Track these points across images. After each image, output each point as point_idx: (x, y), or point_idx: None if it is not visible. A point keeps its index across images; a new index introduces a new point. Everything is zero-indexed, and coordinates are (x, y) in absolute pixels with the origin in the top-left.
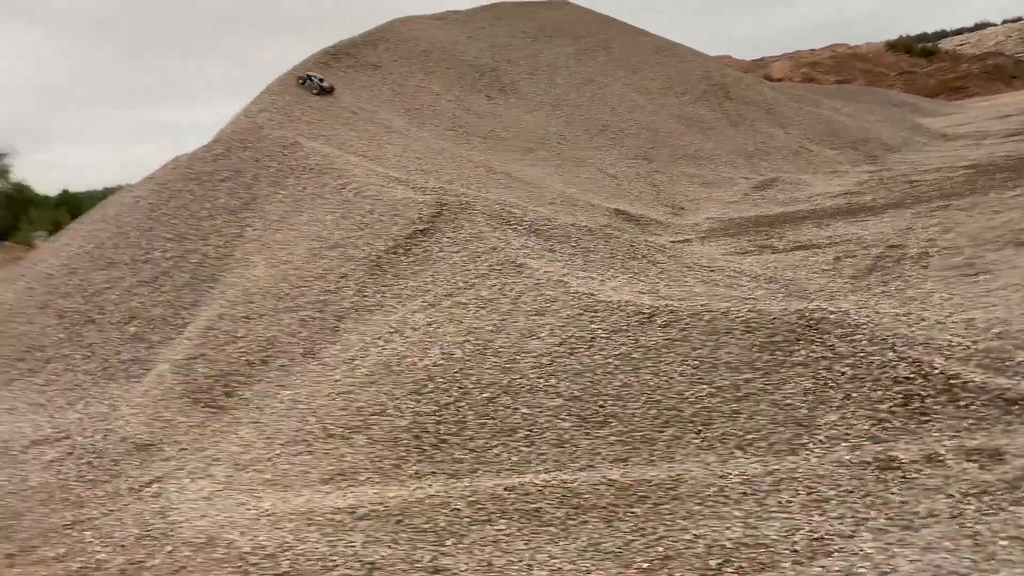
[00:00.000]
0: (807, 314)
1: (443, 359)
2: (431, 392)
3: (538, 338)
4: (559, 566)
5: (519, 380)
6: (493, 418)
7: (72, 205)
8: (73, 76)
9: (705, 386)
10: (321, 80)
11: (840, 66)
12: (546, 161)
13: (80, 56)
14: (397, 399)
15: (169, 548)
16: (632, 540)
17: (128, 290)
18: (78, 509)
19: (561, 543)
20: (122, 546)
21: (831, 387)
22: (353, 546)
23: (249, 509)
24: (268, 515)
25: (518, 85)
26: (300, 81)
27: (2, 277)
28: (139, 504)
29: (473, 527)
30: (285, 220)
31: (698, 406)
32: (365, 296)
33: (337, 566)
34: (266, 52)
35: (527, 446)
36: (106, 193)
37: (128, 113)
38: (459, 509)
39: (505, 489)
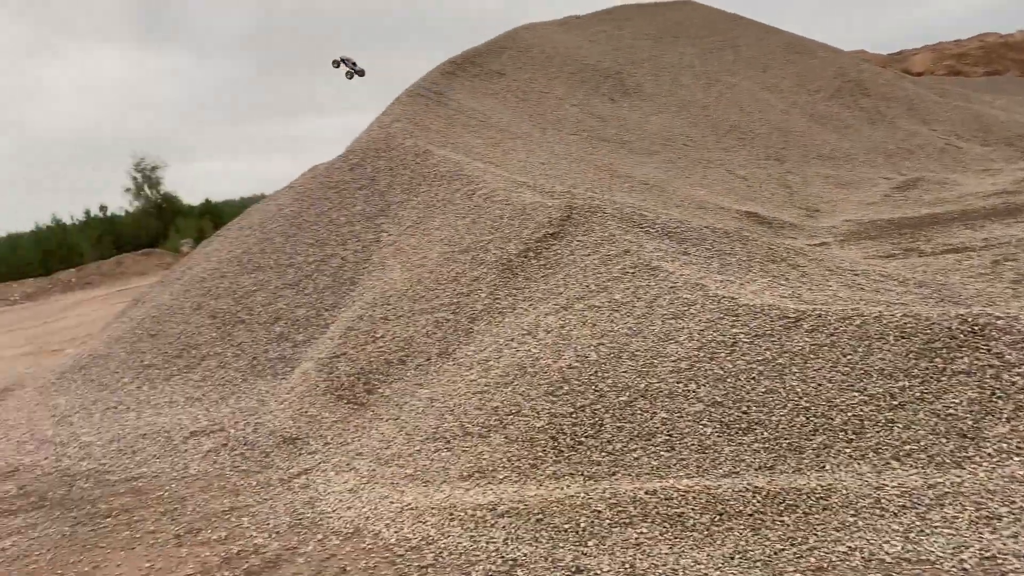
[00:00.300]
0: (970, 319)
1: (578, 361)
2: (566, 394)
3: (676, 342)
4: (705, 572)
5: (657, 384)
6: (631, 422)
7: (214, 214)
8: (213, 93)
9: (856, 393)
10: (354, 64)
11: (989, 57)
12: (672, 163)
13: (220, 74)
14: (532, 400)
15: (320, 536)
16: (782, 549)
17: (274, 292)
18: (234, 496)
19: (706, 549)
20: (277, 532)
21: (999, 397)
22: (495, 542)
23: (392, 502)
24: (411, 509)
25: (642, 87)
26: (335, 64)
27: (160, 280)
28: (289, 494)
29: (614, 529)
30: (418, 225)
31: (849, 414)
32: (497, 299)
33: (480, 561)
34: (393, 64)
35: (667, 451)
36: (243, 202)
37: (262, 126)
38: (599, 511)
39: (646, 493)
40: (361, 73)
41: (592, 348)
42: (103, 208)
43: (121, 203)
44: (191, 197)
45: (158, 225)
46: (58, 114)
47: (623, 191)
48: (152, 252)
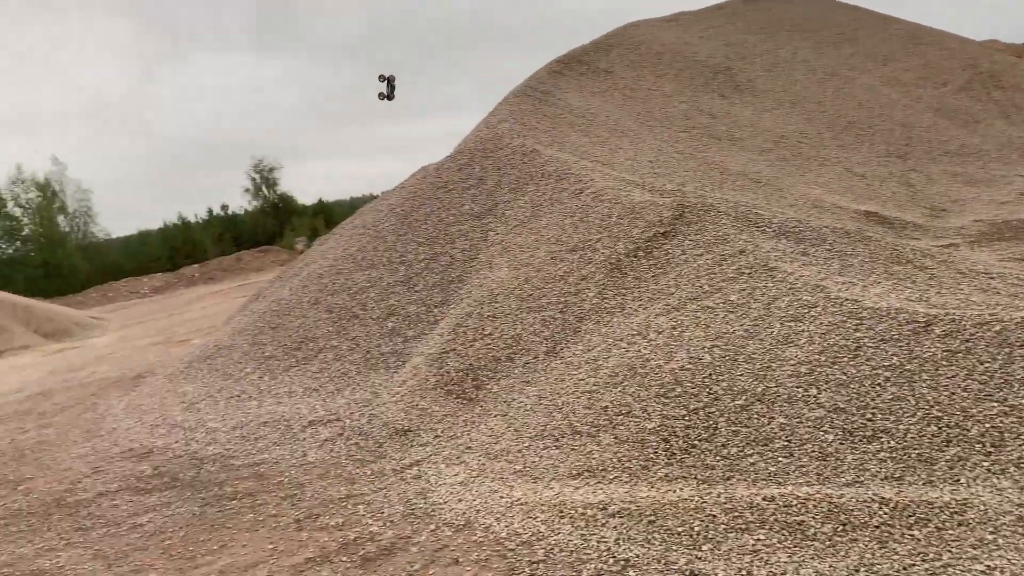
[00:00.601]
0: None
1: (691, 363)
2: (679, 396)
3: (795, 345)
4: None
5: (775, 388)
6: (747, 426)
7: (326, 213)
8: (324, 96)
9: (996, 404)
10: (393, 88)
11: None
12: (786, 161)
13: (331, 77)
14: (643, 401)
15: (432, 527)
16: (912, 564)
17: (386, 289)
18: (350, 485)
19: (828, 560)
20: (391, 521)
21: None
22: (606, 542)
23: (502, 497)
24: (520, 504)
25: (754, 83)
26: (381, 78)
27: (279, 276)
28: (402, 484)
29: (730, 534)
30: (525, 224)
31: (987, 425)
32: (605, 298)
33: (591, 559)
34: (498, 65)
35: (786, 457)
36: (353, 202)
37: (370, 128)
38: (715, 515)
39: (764, 499)
40: (391, 98)
41: (706, 350)
42: (224, 207)
43: (241, 202)
44: (304, 197)
45: (274, 224)
46: (184, 119)
47: (734, 189)
48: (269, 249)
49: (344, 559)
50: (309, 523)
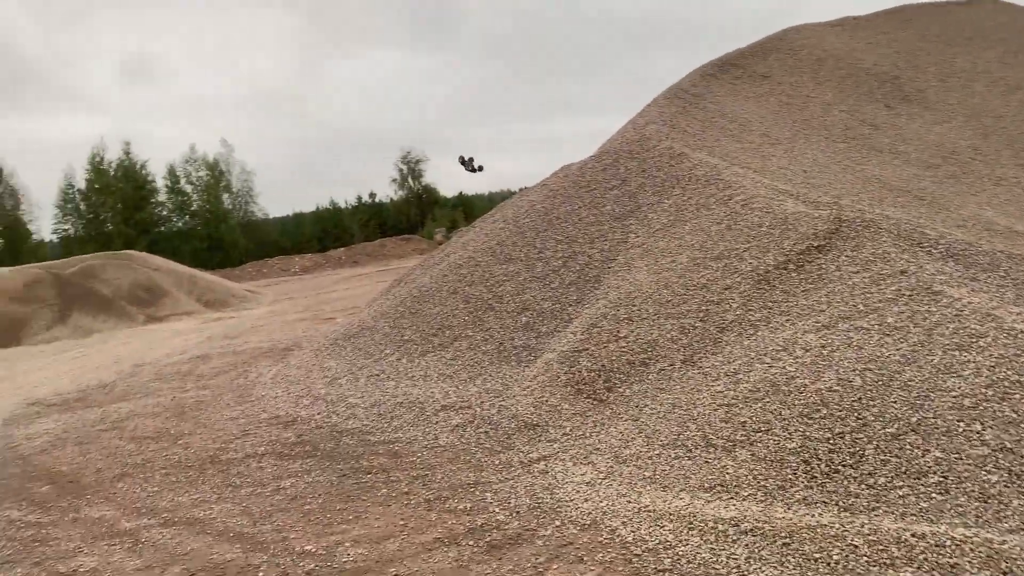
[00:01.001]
0: None
1: (839, 385)
2: (824, 418)
3: (959, 376)
4: None
5: (932, 420)
6: (898, 456)
7: (466, 207)
8: (472, 92)
9: None
10: (472, 170)
11: None
12: (955, 178)
13: (481, 75)
14: (784, 419)
15: (557, 523)
16: None
17: (522, 284)
18: (478, 472)
19: None
20: (517, 512)
21: None
22: (736, 559)
23: (629, 502)
24: (648, 511)
25: (925, 94)
26: (472, 165)
27: (421, 264)
28: (529, 477)
29: (872, 568)
30: (668, 229)
31: None
32: (750, 310)
33: (720, 575)
34: (649, 66)
35: (940, 493)
36: (491, 197)
37: (510, 126)
38: (856, 546)
39: (913, 535)
40: (463, 164)
41: (857, 372)
42: (372, 195)
43: (387, 191)
44: (446, 189)
45: (417, 213)
46: (340, 109)
47: (895, 206)
48: (411, 238)
49: (471, 543)
50: (438, 504)
